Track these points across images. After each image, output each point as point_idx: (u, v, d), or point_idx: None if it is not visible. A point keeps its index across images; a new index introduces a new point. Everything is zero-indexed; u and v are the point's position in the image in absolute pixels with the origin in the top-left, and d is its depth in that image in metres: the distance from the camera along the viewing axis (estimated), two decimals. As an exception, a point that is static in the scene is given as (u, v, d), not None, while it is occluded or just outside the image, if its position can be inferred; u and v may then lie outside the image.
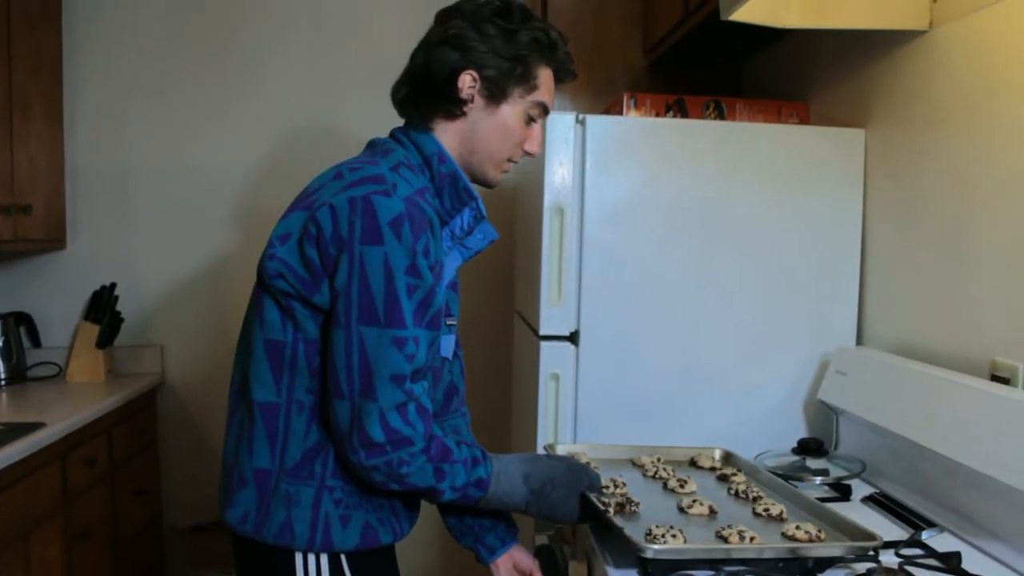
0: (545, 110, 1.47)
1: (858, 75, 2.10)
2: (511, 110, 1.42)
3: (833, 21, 1.86)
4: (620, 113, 2.18)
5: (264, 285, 1.35)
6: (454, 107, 1.41)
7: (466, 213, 1.43)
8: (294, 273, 1.30)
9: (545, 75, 1.45)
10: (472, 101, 1.40)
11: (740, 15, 1.79)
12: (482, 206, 1.44)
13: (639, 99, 2.19)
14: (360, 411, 1.26)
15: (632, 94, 2.20)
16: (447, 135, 1.43)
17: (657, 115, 2.19)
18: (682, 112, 2.20)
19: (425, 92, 1.42)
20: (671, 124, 2.08)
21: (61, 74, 3.09)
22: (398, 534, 1.42)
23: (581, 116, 1.97)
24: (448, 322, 1.49)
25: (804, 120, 2.24)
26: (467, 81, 1.39)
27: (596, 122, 1.97)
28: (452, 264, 1.47)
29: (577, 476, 1.41)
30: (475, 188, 1.45)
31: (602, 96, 2.74)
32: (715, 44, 2.52)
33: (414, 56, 1.44)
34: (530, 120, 1.46)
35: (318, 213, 1.29)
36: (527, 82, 1.42)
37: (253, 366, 1.37)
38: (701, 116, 2.20)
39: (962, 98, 1.72)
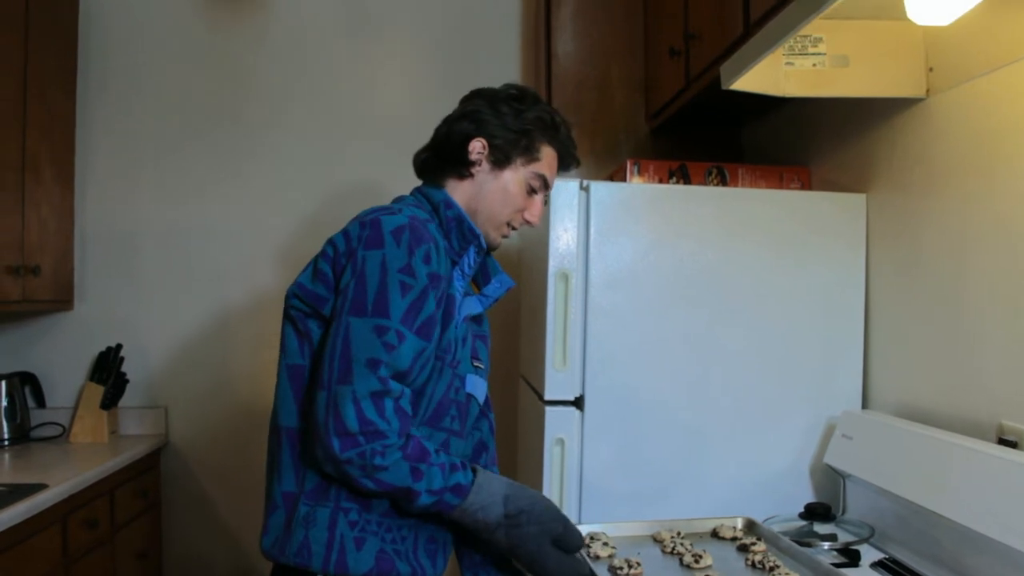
0: (545, 184, 1.61)
1: (858, 141, 2.14)
2: (513, 176, 1.58)
3: (831, 90, 1.89)
4: (624, 179, 2.22)
5: (286, 314, 1.46)
6: (464, 168, 1.57)
7: (471, 251, 1.56)
8: (306, 291, 1.42)
9: (548, 152, 1.60)
10: (480, 164, 1.57)
11: (740, 84, 1.83)
12: (484, 241, 1.56)
13: (642, 165, 2.22)
14: (336, 397, 1.31)
15: (635, 160, 2.23)
16: (456, 193, 1.58)
17: (660, 181, 2.22)
18: (685, 178, 2.23)
19: (442, 156, 1.60)
20: (674, 190, 2.10)
21: (74, 138, 3.14)
22: (417, 571, 1.43)
23: (585, 182, 2.00)
24: (475, 364, 1.59)
25: (806, 185, 2.27)
26: (477, 147, 1.56)
27: (600, 188, 2.00)
28: (470, 309, 1.58)
29: (553, 519, 1.40)
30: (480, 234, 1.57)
31: (606, 162, 2.78)
32: (717, 111, 2.57)
33: (438, 128, 1.63)
34: (532, 191, 1.60)
35: (334, 237, 1.43)
36: (529, 154, 1.58)
37: (279, 392, 1.45)
38: (704, 182, 2.23)
39: (960, 163, 1.75)
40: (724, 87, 1.85)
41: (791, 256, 2.04)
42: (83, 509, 2.50)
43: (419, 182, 1.65)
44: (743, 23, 1.91)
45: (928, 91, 1.85)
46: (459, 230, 1.53)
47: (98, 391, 3.07)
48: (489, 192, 1.57)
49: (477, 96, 1.61)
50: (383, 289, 1.34)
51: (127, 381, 3.15)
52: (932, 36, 1.81)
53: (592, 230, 1.99)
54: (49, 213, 2.95)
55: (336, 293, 1.39)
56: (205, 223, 3.27)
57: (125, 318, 3.22)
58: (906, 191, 1.93)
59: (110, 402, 3.08)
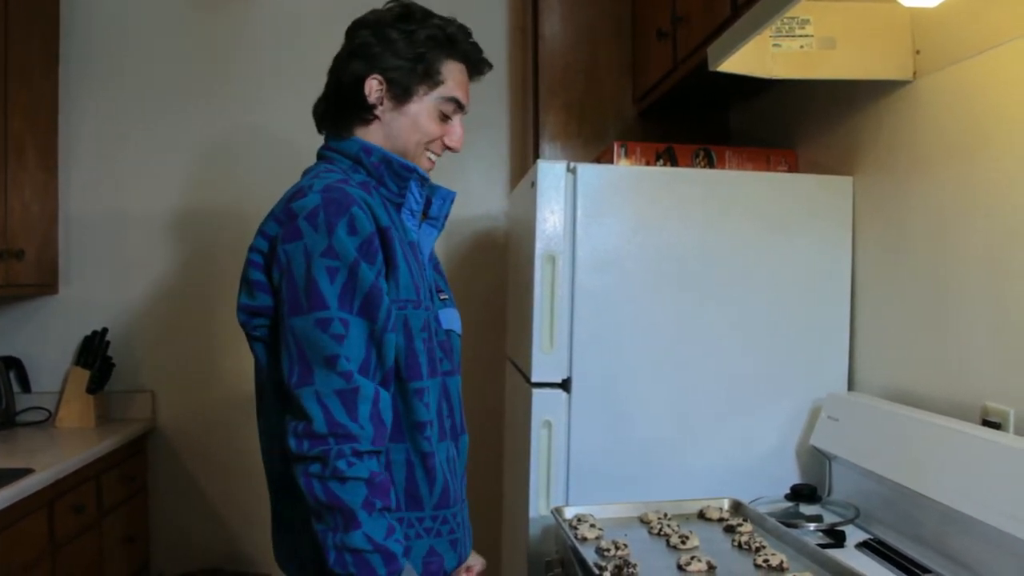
0: (459, 105, 1.51)
1: (845, 123, 2.14)
2: (419, 108, 1.47)
3: (818, 72, 1.89)
4: (611, 162, 2.21)
5: (251, 337, 1.38)
6: (365, 112, 1.46)
7: (413, 187, 1.46)
8: (252, 308, 1.35)
9: (451, 69, 1.49)
10: (381, 104, 1.46)
11: (727, 66, 1.82)
12: (422, 171, 1.47)
13: (629, 148, 2.22)
14: (300, 399, 1.23)
15: (622, 143, 2.23)
16: (368, 138, 1.47)
17: (647, 163, 2.22)
18: (672, 160, 2.23)
19: (339, 104, 1.49)
20: (661, 172, 2.10)
21: (57, 122, 3.12)
22: (462, 550, 1.42)
23: (572, 165, 1.99)
24: (441, 297, 1.51)
25: (793, 168, 2.27)
26: (373, 86, 1.45)
27: (587, 170, 2.00)
28: (428, 239, 1.51)
29: None
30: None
31: (593, 145, 2.77)
32: (704, 93, 2.56)
33: (329, 73, 1.52)
34: (445, 117, 1.50)
35: (255, 242, 1.36)
36: (430, 79, 1.46)
37: (274, 417, 1.36)
38: (691, 164, 2.23)
39: (946, 146, 1.75)
40: (711, 69, 1.84)
41: (778, 238, 2.04)
42: (70, 494, 2.50)
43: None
44: (730, 4, 1.90)
45: (915, 74, 1.85)
46: (391, 171, 1.44)
47: (84, 375, 3.06)
48: (399, 130, 1.46)
49: (361, 27, 1.48)
50: (310, 280, 1.26)
51: (113, 365, 3.13)
52: (919, 18, 1.81)
53: (579, 212, 1.98)
54: (33, 197, 2.93)
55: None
56: (190, 206, 3.25)
57: (110, 302, 3.20)
58: (893, 173, 1.94)
59: (96, 386, 3.06)
